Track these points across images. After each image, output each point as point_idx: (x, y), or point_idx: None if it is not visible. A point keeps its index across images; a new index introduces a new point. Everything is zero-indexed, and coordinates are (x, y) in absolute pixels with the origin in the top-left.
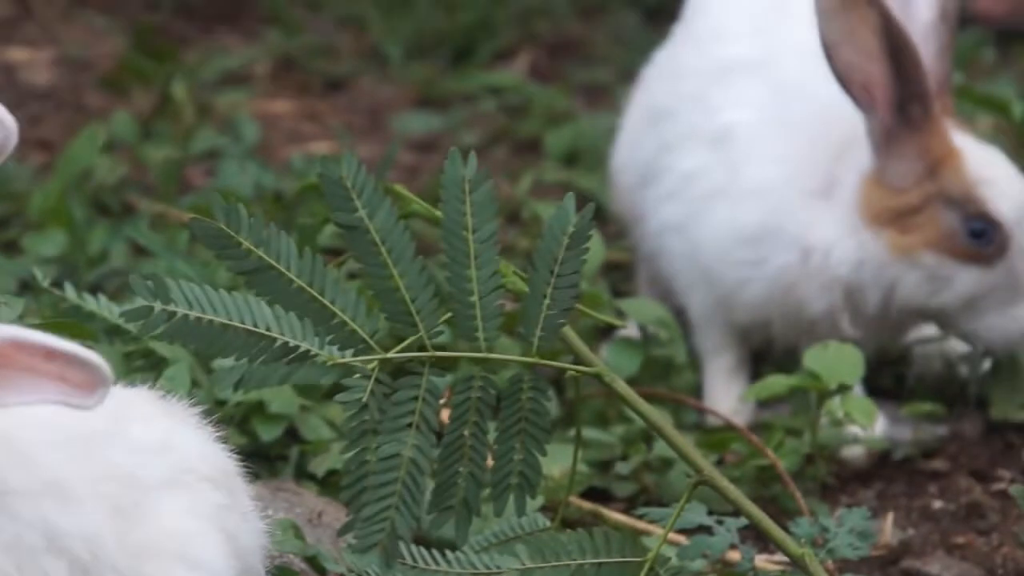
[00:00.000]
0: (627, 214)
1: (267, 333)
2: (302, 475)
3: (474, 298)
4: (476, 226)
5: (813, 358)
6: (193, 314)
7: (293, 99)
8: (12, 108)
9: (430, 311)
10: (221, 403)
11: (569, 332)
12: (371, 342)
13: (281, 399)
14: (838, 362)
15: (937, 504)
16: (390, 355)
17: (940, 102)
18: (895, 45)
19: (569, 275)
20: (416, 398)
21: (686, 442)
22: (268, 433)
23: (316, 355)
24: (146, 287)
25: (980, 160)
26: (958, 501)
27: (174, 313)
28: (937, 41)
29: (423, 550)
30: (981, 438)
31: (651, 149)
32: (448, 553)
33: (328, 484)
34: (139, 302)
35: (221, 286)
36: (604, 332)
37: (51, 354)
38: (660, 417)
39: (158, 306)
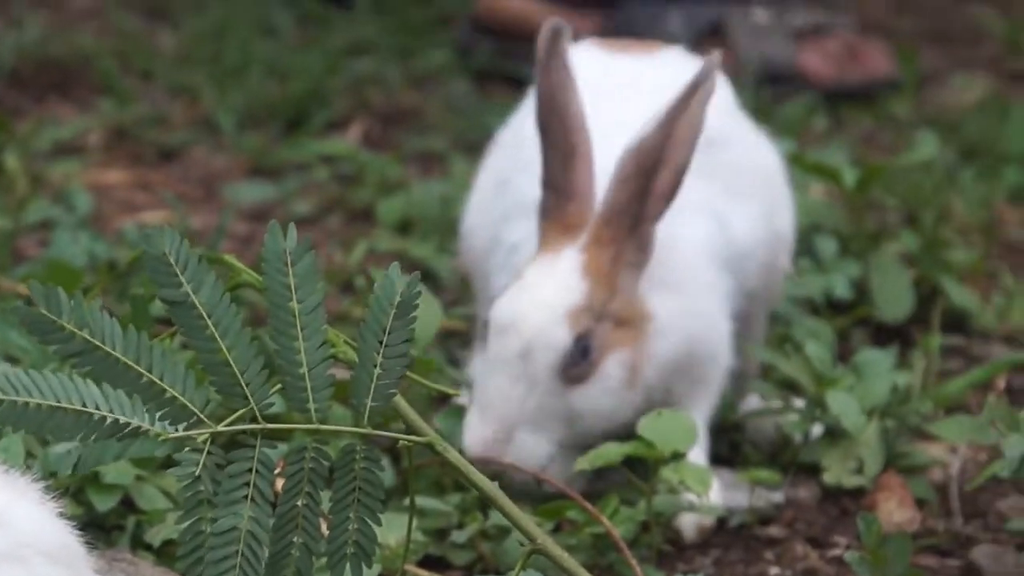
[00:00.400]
0: (476, 277)
1: (97, 412)
2: (138, 545)
3: (303, 369)
4: (300, 297)
5: (647, 426)
6: (20, 399)
7: (126, 169)
8: None
9: (260, 383)
10: (55, 473)
11: (401, 401)
12: (201, 416)
13: (116, 469)
14: (672, 429)
15: (774, 571)
16: (220, 428)
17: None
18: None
19: (398, 344)
20: (250, 470)
21: (520, 511)
22: (103, 503)
23: (147, 431)
24: None
25: None
26: (795, 568)
27: (1, 400)
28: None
29: None
30: (816, 504)
31: (495, 216)
32: None
33: (164, 554)
34: None
35: (56, 358)
36: (440, 400)
37: None
38: (493, 487)
39: None
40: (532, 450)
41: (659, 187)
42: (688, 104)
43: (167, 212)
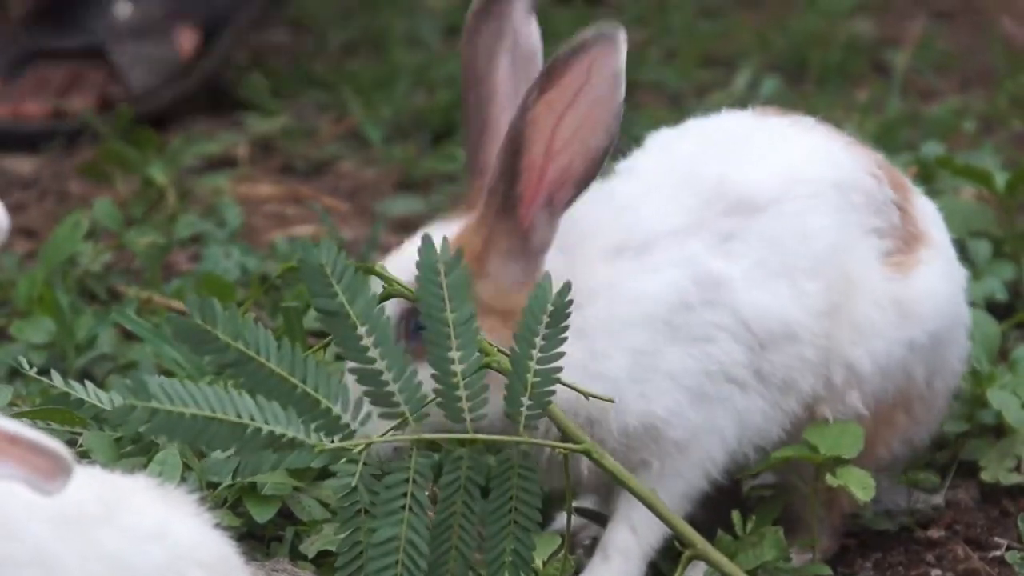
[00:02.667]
0: None
1: (252, 423)
2: (296, 555)
3: (457, 379)
4: (454, 308)
5: (813, 432)
6: (176, 409)
7: (276, 183)
8: None
9: (414, 393)
10: (213, 485)
11: (556, 409)
12: (356, 427)
13: (273, 481)
14: (838, 436)
15: (935, 573)
16: (376, 439)
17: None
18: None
19: (552, 352)
20: (407, 480)
21: (675, 515)
22: (261, 514)
23: (302, 442)
24: (125, 386)
25: None
26: (956, 569)
27: (156, 410)
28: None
29: None
30: (976, 505)
31: None
32: None
33: (322, 564)
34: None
35: (208, 371)
36: None
37: (14, 439)
38: (651, 494)
39: (139, 404)
40: None
41: (529, 167)
42: (555, 79)
43: (317, 225)
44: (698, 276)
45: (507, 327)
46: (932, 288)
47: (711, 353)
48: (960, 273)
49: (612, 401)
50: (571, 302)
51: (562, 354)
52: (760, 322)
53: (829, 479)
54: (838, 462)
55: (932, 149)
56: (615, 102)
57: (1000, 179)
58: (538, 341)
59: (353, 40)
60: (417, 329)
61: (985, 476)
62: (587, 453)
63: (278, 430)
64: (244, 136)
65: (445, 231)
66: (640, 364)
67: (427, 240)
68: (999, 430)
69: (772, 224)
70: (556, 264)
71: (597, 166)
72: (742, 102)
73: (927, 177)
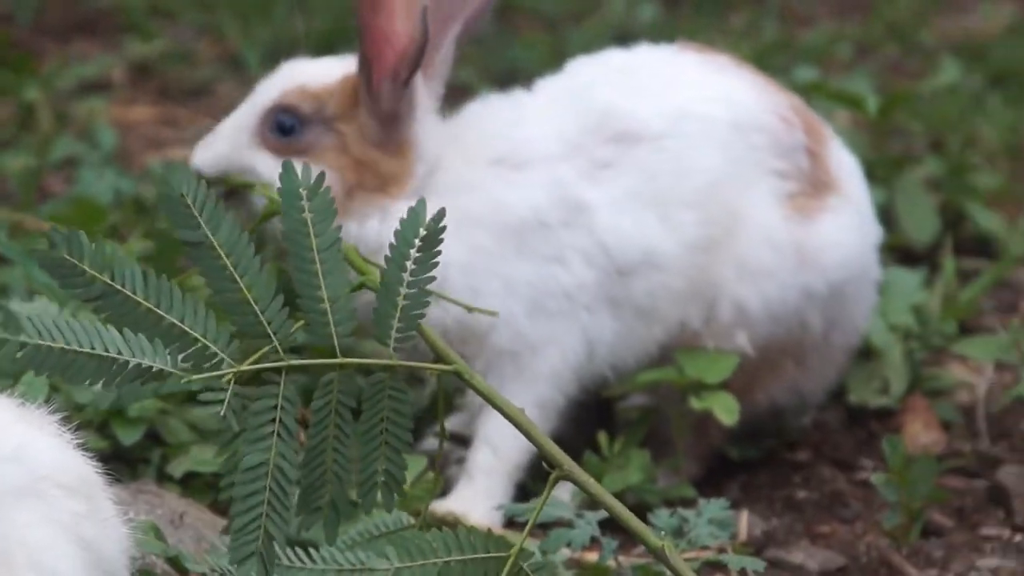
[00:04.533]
0: None
1: (120, 356)
2: (163, 477)
3: (324, 304)
4: (318, 232)
5: (685, 356)
6: (44, 343)
7: (152, 105)
8: None
9: (282, 320)
10: (80, 408)
11: (428, 329)
12: (224, 355)
13: (140, 403)
14: (709, 363)
15: (801, 494)
16: (242, 368)
17: None
18: None
19: (423, 276)
20: (275, 407)
21: (545, 437)
22: (128, 437)
23: (171, 374)
24: None
25: None
26: (822, 490)
27: (25, 343)
28: None
29: (296, 550)
30: (843, 428)
31: None
32: (317, 552)
33: (189, 486)
34: None
35: None
36: None
37: None
38: (520, 413)
39: (10, 338)
40: (208, 142)
41: (368, 33)
42: None
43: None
44: (561, 199)
45: (363, 171)
46: (837, 238)
47: (556, 274)
48: (874, 229)
49: (495, 314)
50: (444, 228)
51: (433, 278)
52: (620, 249)
53: (694, 402)
54: (704, 386)
55: (805, 73)
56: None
57: (872, 104)
58: (409, 265)
59: None
60: (279, 128)
61: (852, 398)
62: (459, 374)
63: (145, 362)
64: (121, 59)
65: (333, 66)
66: (476, 262)
67: (288, 166)
68: (866, 352)
69: (652, 157)
70: (446, 164)
71: (420, 55)
72: (618, 28)
73: None
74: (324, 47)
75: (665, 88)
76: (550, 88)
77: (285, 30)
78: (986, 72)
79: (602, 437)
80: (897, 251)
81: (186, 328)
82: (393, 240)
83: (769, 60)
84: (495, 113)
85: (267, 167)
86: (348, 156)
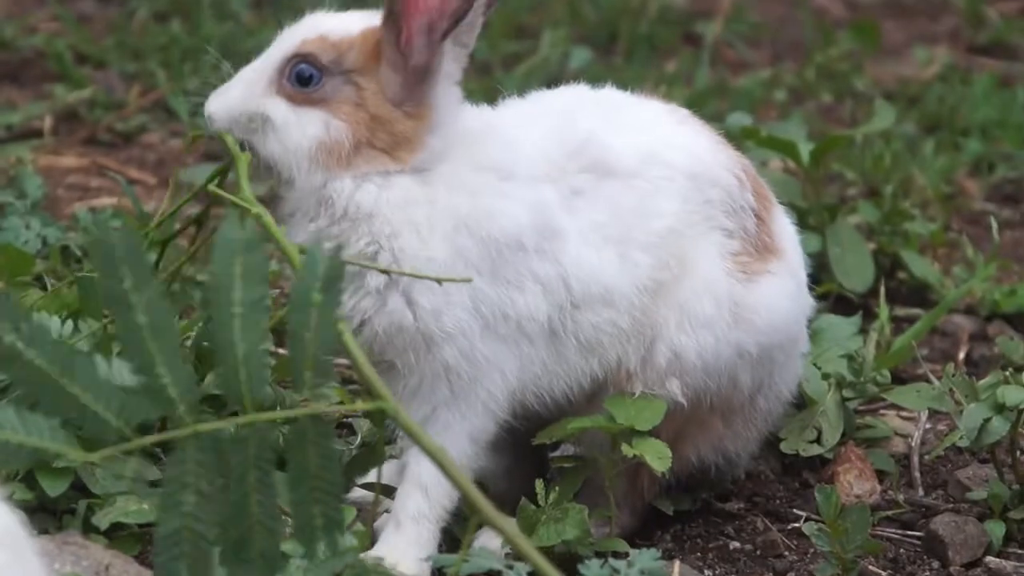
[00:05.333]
0: None
1: (14, 439)
2: (89, 528)
3: (237, 361)
4: (245, 289)
5: (613, 403)
6: None
7: (79, 154)
8: None
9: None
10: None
11: (361, 359)
12: (127, 432)
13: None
14: (638, 409)
15: (733, 545)
16: (143, 441)
17: None
18: None
19: (329, 320)
20: (185, 472)
21: (470, 483)
22: (53, 488)
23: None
24: None
25: None
26: (755, 541)
27: None
28: None
29: None
30: (776, 477)
31: None
32: None
33: (115, 537)
34: None
35: None
36: None
37: None
38: (446, 456)
39: None
40: (224, 90)
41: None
42: None
43: (120, 196)
44: (543, 223)
45: (375, 128)
46: (774, 302)
47: (514, 299)
48: (807, 300)
49: (469, 280)
50: (343, 267)
51: (340, 320)
52: (580, 281)
53: (625, 449)
54: (635, 433)
55: (738, 119)
56: None
57: (805, 150)
58: (312, 312)
59: (162, 10)
60: (298, 77)
61: (785, 447)
62: (384, 411)
63: (42, 445)
64: (50, 106)
65: (355, 20)
66: (456, 266)
67: (232, 216)
68: (800, 401)
69: (620, 193)
70: (450, 156)
71: (468, 6)
72: (551, 73)
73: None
74: None
75: (638, 129)
76: (540, 105)
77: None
78: (920, 118)
79: (539, 484)
80: (831, 298)
81: (87, 403)
82: (293, 285)
83: (703, 106)
84: (499, 122)
85: (280, 114)
86: (364, 111)
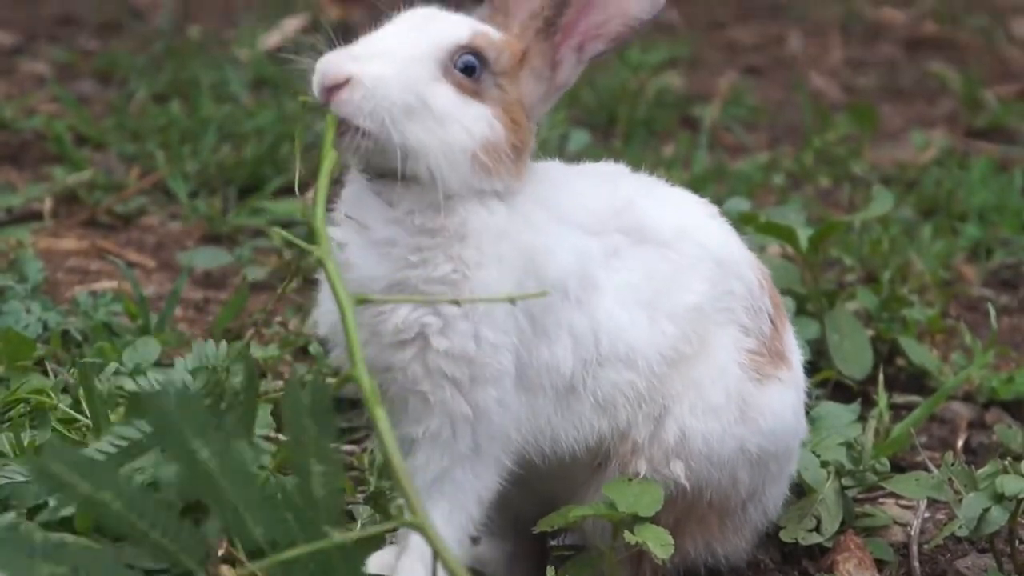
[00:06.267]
0: None
1: None
2: None
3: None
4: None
5: (612, 489)
6: None
7: (79, 237)
8: None
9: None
10: None
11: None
12: None
13: None
14: (638, 494)
15: None
16: None
17: None
18: None
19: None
20: None
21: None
22: None
23: None
24: None
25: None
26: None
27: None
28: None
29: None
30: (776, 566)
31: None
32: None
33: None
34: None
35: None
36: None
37: None
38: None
39: None
40: (378, 73)
41: (576, 4)
42: None
43: (120, 280)
44: (586, 273)
45: (515, 132)
46: (779, 409)
47: (547, 350)
48: (804, 423)
49: (512, 302)
50: (333, 401)
51: (338, 449)
52: (610, 337)
53: (627, 536)
54: (636, 520)
55: (736, 204)
56: None
57: (803, 236)
58: (311, 447)
59: (161, 92)
60: (465, 67)
61: (784, 536)
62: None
63: None
64: (49, 188)
65: (478, 26)
66: (514, 307)
67: (292, 385)
68: (799, 489)
69: (655, 260)
70: (514, 201)
71: (631, 32)
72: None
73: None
74: (253, 176)
75: (675, 206)
76: (588, 169)
77: (213, 159)
78: (917, 202)
79: (550, 571)
80: (829, 385)
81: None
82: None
83: (701, 190)
84: (550, 167)
85: (446, 100)
86: (509, 116)
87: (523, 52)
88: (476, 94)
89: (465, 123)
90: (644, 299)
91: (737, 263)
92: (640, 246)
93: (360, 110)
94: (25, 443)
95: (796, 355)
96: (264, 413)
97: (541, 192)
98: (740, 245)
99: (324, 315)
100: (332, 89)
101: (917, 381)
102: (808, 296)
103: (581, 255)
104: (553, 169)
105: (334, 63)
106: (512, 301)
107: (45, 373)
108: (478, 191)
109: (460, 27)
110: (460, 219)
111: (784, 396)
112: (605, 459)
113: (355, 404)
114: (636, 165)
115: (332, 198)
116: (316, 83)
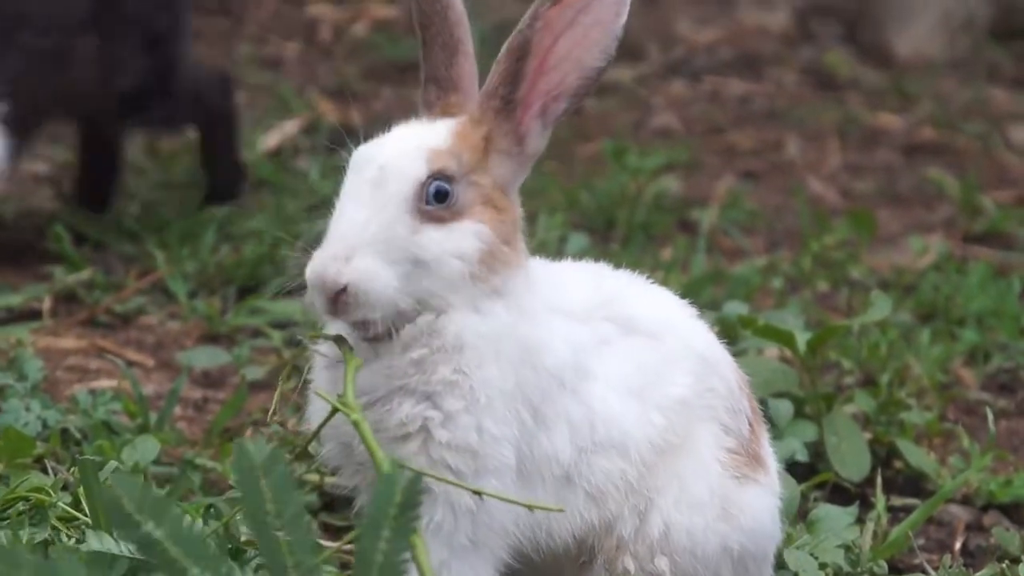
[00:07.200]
0: None
1: None
2: None
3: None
4: (279, 507)
5: None
6: None
7: (78, 336)
8: None
9: None
10: None
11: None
12: None
13: None
14: None
15: None
16: None
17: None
18: None
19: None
20: None
21: None
22: None
23: None
24: None
25: None
26: None
27: None
28: None
29: None
30: None
31: None
32: None
33: None
34: None
35: None
36: None
37: None
38: None
39: None
40: (370, 271)
41: (530, 73)
42: None
43: (119, 379)
44: (579, 362)
45: (503, 221)
46: (758, 511)
47: (545, 440)
48: (779, 533)
49: (561, 509)
50: (421, 495)
51: (409, 549)
52: (605, 424)
53: None
54: None
55: (734, 308)
56: (616, 26)
57: (802, 340)
58: (384, 534)
59: (159, 193)
60: (436, 194)
61: None
62: None
63: None
64: (49, 288)
65: (431, 128)
66: (516, 395)
67: (241, 447)
68: None
69: (644, 350)
70: (499, 308)
71: (590, 84)
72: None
73: (730, 336)
74: (252, 276)
75: (658, 301)
76: (570, 264)
77: (212, 259)
78: (915, 307)
79: None
80: (827, 488)
81: None
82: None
83: (699, 293)
84: (538, 266)
85: (432, 243)
86: (490, 207)
87: (485, 137)
88: (456, 214)
89: (458, 251)
90: (634, 387)
91: (719, 362)
92: (629, 336)
93: (370, 308)
94: (24, 540)
95: (772, 460)
96: None
97: (532, 282)
98: (720, 346)
99: (316, 412)
100: (333, 299)
101: (915, 484)
102: (806, 399)
103: (573, 345)
104: (537, 263)
105: (330, 275)
106: (531, 508)
107: (44, 471)
108: (476, 298)
109: (415, 162)
110: (454, 334)
111: (763, 498)
112: (591, 556)
113: (350, 501)
114: (634, 268)
115: None
116: (314, 295)
